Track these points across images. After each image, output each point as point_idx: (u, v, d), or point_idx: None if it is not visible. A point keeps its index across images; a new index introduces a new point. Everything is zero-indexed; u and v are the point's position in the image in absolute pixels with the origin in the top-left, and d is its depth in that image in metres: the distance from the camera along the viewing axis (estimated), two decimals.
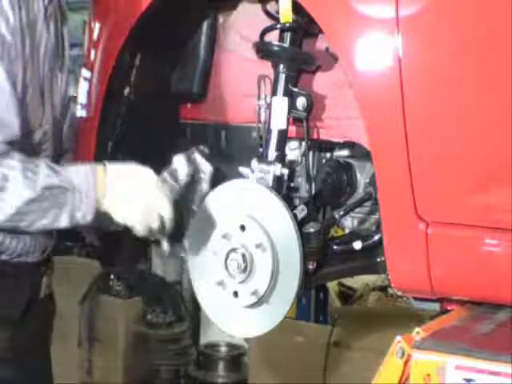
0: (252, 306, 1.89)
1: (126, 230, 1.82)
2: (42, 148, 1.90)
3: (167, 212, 1.79)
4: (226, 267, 1.90)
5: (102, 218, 1.80)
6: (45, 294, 2.00)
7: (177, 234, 1.96)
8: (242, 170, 2.03)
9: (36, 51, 1.81)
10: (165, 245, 1.93)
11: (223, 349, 4.52)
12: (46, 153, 1.91)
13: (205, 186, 1.99)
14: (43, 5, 1.86)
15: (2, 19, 1.71)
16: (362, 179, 2.12)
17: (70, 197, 1.74)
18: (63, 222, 1.76)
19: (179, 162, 1.96)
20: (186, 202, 1.97)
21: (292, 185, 2.05)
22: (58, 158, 1.98)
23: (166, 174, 1.91)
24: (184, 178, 1.92)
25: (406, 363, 1.60)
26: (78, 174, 1.77)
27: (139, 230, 1.79)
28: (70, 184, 1.74)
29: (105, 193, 1.77)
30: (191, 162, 1.98)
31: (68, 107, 2.09)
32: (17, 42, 1.75)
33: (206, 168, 2.00)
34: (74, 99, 2.25)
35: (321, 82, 2.02)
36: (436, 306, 1.96)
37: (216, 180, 2.00)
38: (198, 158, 2.01)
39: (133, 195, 1.78)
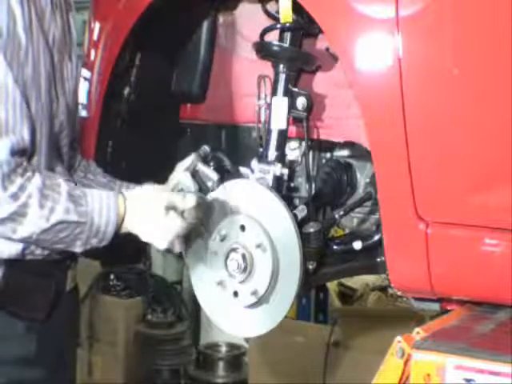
0: (252, 305, 1.89)
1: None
2: (60, 137, 1.90)
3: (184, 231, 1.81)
4: (226, 267, 1.90)
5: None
6: (70, 288, 1.99)
7: None
8: (242, 169, 2.04)
9: (45, 44, 1.81)
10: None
11: (223, 349, 4.52)
12: (64, 141, 1.91)
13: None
14: None
15: (11, 19, 1.71)
16: (361, 179, 2.12)
17: (88, 229, 1.75)
18: (77, 248, 1.78)
19: (184, 181, 1.96)
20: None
21: (292, 185, 2.05)
22: (73, 142, 1.98)
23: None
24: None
25: (406, 363, 1.60)
26: (98, 203, 1.76)
27: (161, 247, 1.82)
28: (88, 218, 1.74)
29: (124, 219, 1.79)
30: (196, 175, 1.99)
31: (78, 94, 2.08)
32: (27, 39, 1.74)
33: (213, 176, 2.00)
34: None
35: (321, 82, 2.03)
36: (436, 306, 1.96)
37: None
38: (202, 168, 2.01)
39: (153, 221, 1.79)
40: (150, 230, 1.81)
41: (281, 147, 1.97)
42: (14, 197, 1.67)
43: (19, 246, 1.79)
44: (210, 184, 2.00)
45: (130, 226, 1.80)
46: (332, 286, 4.33)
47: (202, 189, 1.99)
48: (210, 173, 2.00)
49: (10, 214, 1.68)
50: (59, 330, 1.94)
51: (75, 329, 2.11)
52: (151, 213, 1.79)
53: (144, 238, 1.82)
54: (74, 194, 1.75)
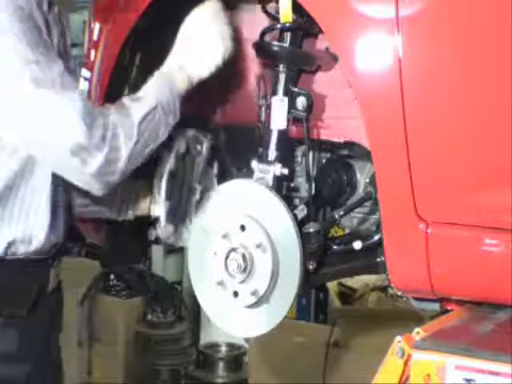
0: (252, 306, 1.89)
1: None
2: None
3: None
4: (226, 267, 1.90)
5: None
6: (53, 286, 2.00)
7: (176, 212, 1.97)
8: (243, 169, 2.04)
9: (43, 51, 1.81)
10: (162, 222, 1.95)
11: (223, 349, 4.52)
12: None
13: (202, 158, 2.01)
14: (42, 12, 1.85)
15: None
16: (362, 179, 2.12)
17: (161, 109, 1.81)
18: (164, 135, 1.84)
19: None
20: (186, 178, 2.00)
21: (292, 185, 2.05)
22: None
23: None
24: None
25: (406, 363, 1.60)
26: (154, 85, 1.85)
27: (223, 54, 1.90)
28: (156, 100, 1.81)
29: (177, 78, 1.87)
30: (186, 135, 2.01)
31: None
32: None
33: (202, 139, 2.02)
34: None
35: (321, 81, 2.03)
36: (436, 306, 1.96)
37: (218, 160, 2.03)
38: (193, 131, 2.02)
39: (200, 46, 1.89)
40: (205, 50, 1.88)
41: (281, 147, 1.97)
42: (103, 139, 1.70)
43: (1, 247, 1.80)
44: (198, 148, 2.02)
45: (186, 72, 1.88)
46: (332, 286, 4.33)
47: (191, 149, 2.01)
48: (199, 135, 2.02)
49: (105, 157, 1.70)
50: (43, 327, 1.95)
51: (59, 326, 2.12)
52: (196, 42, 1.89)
53: (208, 58, 1.89)
54: (134, 97, 1.82)
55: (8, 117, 1.72)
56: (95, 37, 2.24)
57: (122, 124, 1.74)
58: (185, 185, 2.00)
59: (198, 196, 2.02)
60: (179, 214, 2.00)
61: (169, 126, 1.84)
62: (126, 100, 1.82)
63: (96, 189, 1.76)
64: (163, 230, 1.97)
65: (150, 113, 1.79)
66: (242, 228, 1.89)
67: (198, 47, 1.90)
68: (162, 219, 1.97)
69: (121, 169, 1.75)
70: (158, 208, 1.97)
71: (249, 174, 1.99)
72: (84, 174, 1.72)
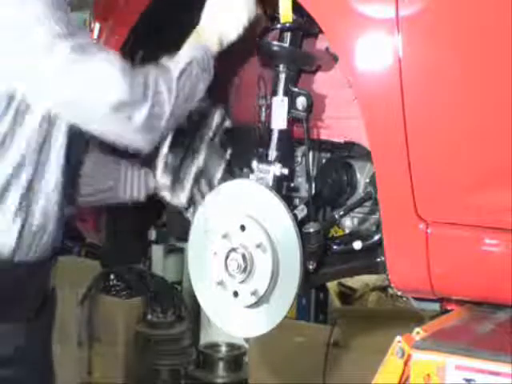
0: (252, 306, 1.89)
1: None
2: None
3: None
4: (226, 267, 1.90)
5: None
6: (52, 286, 2.01)
7: (175, 169, 2.01)
8: (242, 170, 2.04)
9: None
10: (159, 172, 2.00)
11: (223, 349, 4.52)
12: None
13: (211, 131, 2.06)
14: None
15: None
16: (362, 179, 2.12)
17: (196, 65, 1.87)
18: (202, 92, 1.89)
19: None
20: (192, 143, 2.05)
21: (292, 185, 2.05)
22: None
23: None
24: None
25: (406, 363, 1.60)
26: (188, 46, 1.91)
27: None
28: (191, 57, 1.87)
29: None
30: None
31: None
32: None
33: (215, 112, 2.06)
34: None
35: (321, 82, 2.03)
36: (436, 306, 1.96)
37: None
38: (207, 103, 2.05)
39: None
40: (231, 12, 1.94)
41: (281, 147, 1.97)
42: (145, 95, 1.75)
43: (12, 243, 1.79)
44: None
45: (217, 34, 1.93)
46: (332, 286, 4.33)
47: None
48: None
49: (149, 111, 1.75)
50: (44, 329, 1.96)
51: (52, 327, 2.12)
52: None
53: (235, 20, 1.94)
54: (170, 58, 1.87)
55: (48, 85, 1.73)
56: (95, 37, 2.24)
57: (162, 80, 1.79)
58: (190, 149, 2.04)
59: (201, 163, 2.04)
60: (178, 171, 2.03)
61: (205, 82, 1.89)
62: (162, 61, 1.86)
63: (141, 146, 1.82)
64: (159, 178, 2.01)
65: (187, 68, 1.85)
66: (242, 228, 1.89)
67: (226, 11, 1.95)
68: (160, 169, 2.00)
69: (164, 124, 1.80)
70: (159, 159, 2.01)
71: (249, 174, 1.99)
72: (129, 131, 1.76)
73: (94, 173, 2.04)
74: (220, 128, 2.07)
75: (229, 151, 2.09)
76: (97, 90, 1.72)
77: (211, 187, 2.04)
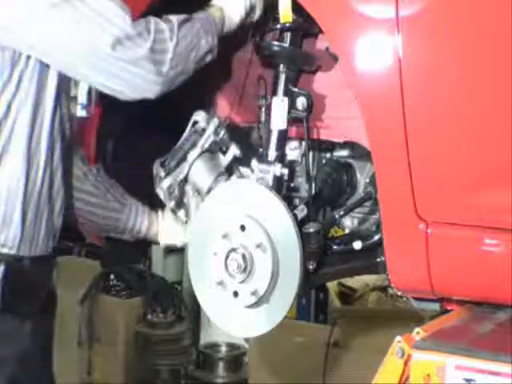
0: (252, 306, 1.89)
1: None
2: None
3: None
4: (226, 267, 1.90)
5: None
6: (52, 288, 2.02)
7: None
8: (242, 169, 2.03)
9: None
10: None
11: (223, 349, 4.52)
12: None
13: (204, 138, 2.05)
14: None
15: None
16: (362, 179, 2.12)
17: (200, 22, 1.89)
18: (205, 47, 1.90)
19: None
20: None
21: (292, 185, 2.05)
22: None
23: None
24: None
25: (406, 363, 1.60)
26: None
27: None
28: (193, 16, 1.89)
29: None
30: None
31: None
32: None
33: (210, 119, 2.05)
34: (74, 99, 2.25)
35: (321, 82, 2.03)
36: (436, 306, 1.96)
37: None
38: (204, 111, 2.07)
39: None
40: None
41: (281, 147, 1.97)
42: (148, 31, 1.78)
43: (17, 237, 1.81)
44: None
45: (224, 13, 1.95)
46: (332, 286, 4.33)
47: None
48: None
49: (152, 44, 1.77)
50: (47, 331, 1.96)
51: (53, 330, 2.13)
52: None
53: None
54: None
55: (46, 32, 1.74)
56: None
57: (163, 21, 1.82)
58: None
59: (185, 171, 2.04)
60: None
61: (208, 42, 1.89)
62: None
63: (149, 87, 1.82)
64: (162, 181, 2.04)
65: (189, 21, 1.87)
66: (242, 228, 1.89)
67: None
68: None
69: (169, 62, 1.80)
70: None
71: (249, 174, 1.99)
72: (134, 59, 1.76)
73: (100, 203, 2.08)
74: (213, 138, 2.04)
75: (230, 156, 2.07)
76: (99, 26, 1.73)
77: (201, 195, 2.04)
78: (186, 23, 1.86)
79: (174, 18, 1.85)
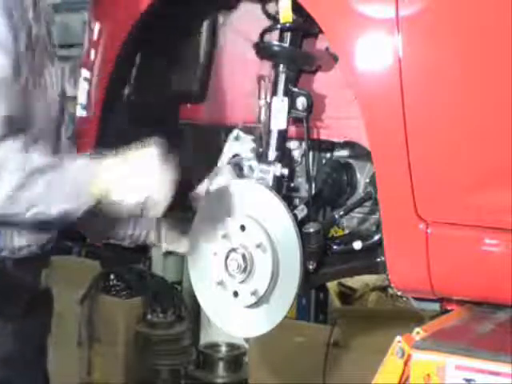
0: (252, 305, 1.89)
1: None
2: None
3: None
4: (226, 267, 1.90)
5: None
6: (44, 288, 2.01)
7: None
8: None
9: (26, 36, 1.81)
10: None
11: (223, 349, 4.52)
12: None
13: None
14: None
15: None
16: (362, 179, 2.12)
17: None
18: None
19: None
20: None
21: (292, 185, 2.05)
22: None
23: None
24: None
25: (406, 363, 1.60)
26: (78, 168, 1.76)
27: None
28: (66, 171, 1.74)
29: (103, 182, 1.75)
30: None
31: (64, 104, 2.06)
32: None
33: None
34: (74, 99, 2.25)
35: (321, 82, 2.03)
36: (436, 306, 1.96)
37: None
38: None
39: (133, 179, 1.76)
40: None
41: (281, 147, 1.97)
42: None
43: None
44: None
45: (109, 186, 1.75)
46: (332, 286, 4.32)
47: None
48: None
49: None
50: (38, 330, 1.96)
51: (47, 330, 2.13)
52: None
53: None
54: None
55: None
56: (95, 37, 2.24)
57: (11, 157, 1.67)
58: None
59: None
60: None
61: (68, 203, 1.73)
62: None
63: None
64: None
65: (51, 169, 1.71)
66: (242, 228, 1.89)
67: (135, 180, 1.75)
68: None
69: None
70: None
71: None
72: None
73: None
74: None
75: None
76: None
77: None
78: (44, 172, 1.68)
79: (35, 161, 1.68)
